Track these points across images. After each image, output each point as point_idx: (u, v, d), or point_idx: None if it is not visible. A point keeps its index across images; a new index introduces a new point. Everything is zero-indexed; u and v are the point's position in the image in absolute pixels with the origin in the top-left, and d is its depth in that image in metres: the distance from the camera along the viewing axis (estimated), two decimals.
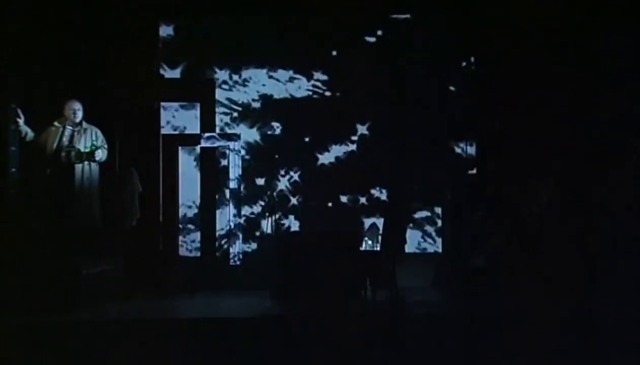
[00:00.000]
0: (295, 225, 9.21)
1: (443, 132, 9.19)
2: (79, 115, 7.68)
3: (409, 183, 9.20)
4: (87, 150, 7.62)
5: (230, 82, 9.30)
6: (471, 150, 9.12)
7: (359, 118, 9.28)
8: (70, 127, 7.65)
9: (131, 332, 6.18)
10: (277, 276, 7.75)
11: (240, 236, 9.25)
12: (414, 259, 8.66)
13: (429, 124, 9.15)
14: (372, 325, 6.30)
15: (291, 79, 9.30)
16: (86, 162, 7.64)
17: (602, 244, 7.68)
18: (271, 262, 8.10)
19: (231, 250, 9.22)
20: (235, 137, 9.27)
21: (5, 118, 7.35)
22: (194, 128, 9.25)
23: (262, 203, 9.23)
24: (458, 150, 9.19)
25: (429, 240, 9.25)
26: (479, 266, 7.93)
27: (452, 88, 9.23)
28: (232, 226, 9.23)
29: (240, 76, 9.29)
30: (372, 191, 9.26)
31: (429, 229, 9.24)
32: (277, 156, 9.28)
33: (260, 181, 9.29)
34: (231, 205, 9.26)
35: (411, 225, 9.00)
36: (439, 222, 9.21)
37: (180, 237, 9.19)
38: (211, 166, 9.28)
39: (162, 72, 9.19)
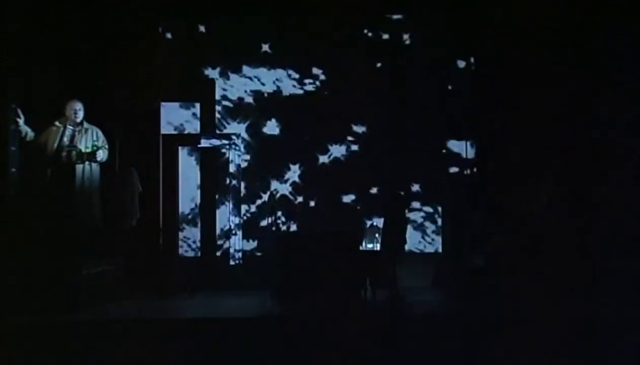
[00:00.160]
0: (295, 225, 9.21)
1: (443, 132, 9.21)
2: (80, 115, 7.68)
3: (408, 183, 9.20)
4: (88, 150, 7.62)
5: (230, 82, 9.31)
6: (471, 150, 9.12)
7: (359, 118, 9.28)
8: (71, 127, 7.65)
9: (131, 332, 6.18)
10: (277, 276, 7.75)
11: (240, 236, 9.25)
12: (414, 259, 8.66)
13: (428, 124, 9.17)
14: (372, 325, 6.30)
15: (291, 79, 9.30)
16: (87, 162, 7.64)
17: (602, 244, 7.69)
18: (271, 262, 8.10)
19: (231, 250, 9.22)
20: (235, 136, 9.27)
21: (5, 118, 7.34)
22: (194, 128, 9.26)
23: (262, 203, 9.23)
24: (458, 150, 9.19)
25: (429, 240, 9.26)
26: (479, 266, 7.93)
27: (452, 88, 9.24)
28: (232, 226, 9.23)
29: (240, 76, 9.29)
30: (372, 191, 9.27)
31: (429, 229, 9.25)
32: (277, 156, 9.28)
33: (260, 181, 9.29)
34: (231, 205, 9.26)
35: (411, 225, 9.01)
36: (439, 222, 9.23)
37: (180, 237, 9.19)
38: (211, 166, 9.28)
39: (162, 72, 9.20)
